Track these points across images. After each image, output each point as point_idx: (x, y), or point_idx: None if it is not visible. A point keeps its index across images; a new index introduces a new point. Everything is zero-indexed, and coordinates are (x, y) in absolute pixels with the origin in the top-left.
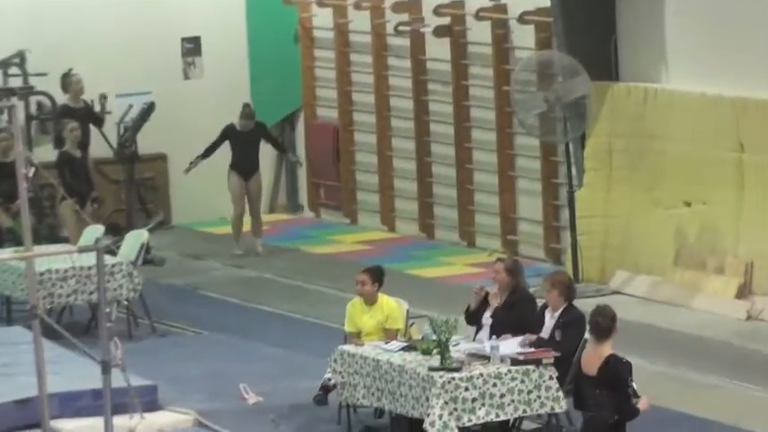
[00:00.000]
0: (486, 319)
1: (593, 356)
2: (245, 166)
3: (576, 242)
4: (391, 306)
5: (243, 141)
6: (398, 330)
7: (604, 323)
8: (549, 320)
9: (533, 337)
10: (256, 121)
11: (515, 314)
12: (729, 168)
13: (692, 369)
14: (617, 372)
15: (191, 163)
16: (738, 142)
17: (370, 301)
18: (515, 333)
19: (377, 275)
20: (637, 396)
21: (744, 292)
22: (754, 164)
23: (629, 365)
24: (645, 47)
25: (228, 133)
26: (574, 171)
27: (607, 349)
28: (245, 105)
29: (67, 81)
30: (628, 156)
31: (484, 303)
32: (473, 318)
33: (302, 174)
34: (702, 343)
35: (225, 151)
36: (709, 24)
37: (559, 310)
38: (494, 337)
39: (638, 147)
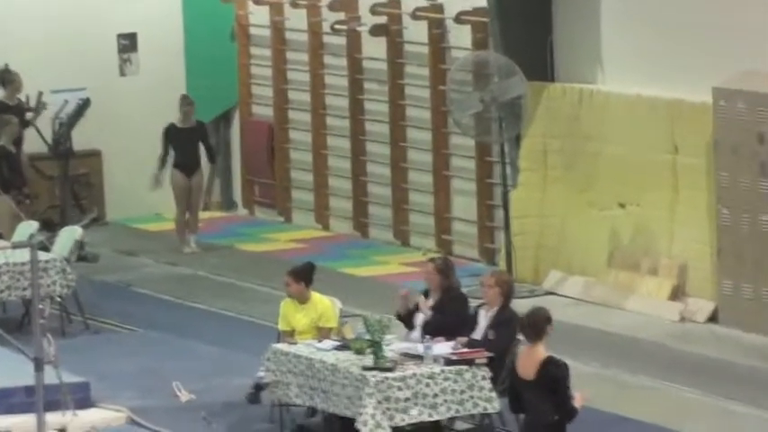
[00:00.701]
0: (419, 320)
1: (528, 360)
2: (188, 163)
3: (510, 242)
4: (324, 304)
5: (184, 139)
6: (332, 329)
7: (535, 324)
8: (483, 320)
9: (464, 340)
10: (197, 120)
11: (448, 314)
12: (664, 170)
13: (625, 370)
14: (555, 375)
15: (156, 178)
16: (673, 144)
17: (303, 299)
18: (448, 334)
19: (301, 275)
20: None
21: (677, 293)
22: (688, 166)
23: (565, 367)
24: (581, 48)
25: (170, 133)
26: (509, 171)
27: (542, 351)
28: (184, 96)
29: (8, 78)
30: (563, 156)
31: (416, 308)
32: (406, 322)
33: (236, 171)
34: (636, 344)
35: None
36: (644, 27)
37: (494, 310)
38: (427, 337)
39: (573, 147)
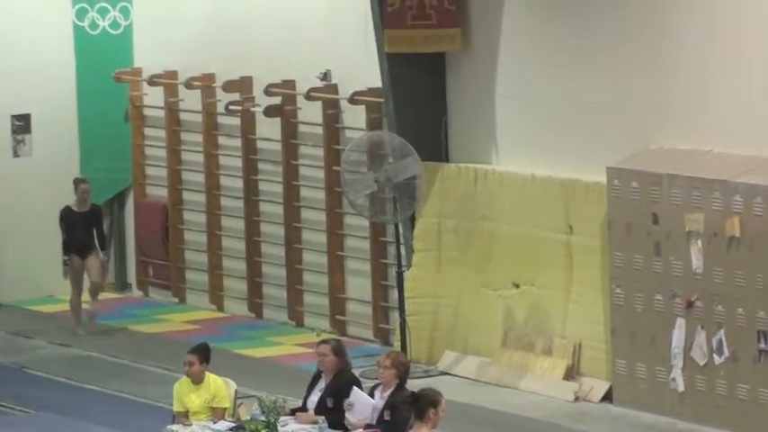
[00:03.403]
0: (312, 402)
1: None
2: (81, 245)
3: (404, 322)
4: (218, 385)
5: (79, 223)
6: (226, 409)
7: (420, 405)
8: (379, 400)
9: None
10: (93, 204)
11: (341, 397)
12: (558, 250)
13: None
14: None
15: (65, 265)
16: (567, 224)
17: (198, 380)
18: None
19: (204, 354)
20: None
21: (572, 373)
22: (582, 246)
23: None
24: (475, 128)
25: (66, 216)
26: (403, 251)
27: None
28: (80, 179)
29: None
30: (457, 236)
31: (311, 386)
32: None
33: (131, 252)
34: (530, 424)
35: (56, 232)
36: (538, 107)
37: (389, 390)
38: (321, 418)
39: (467, 228)
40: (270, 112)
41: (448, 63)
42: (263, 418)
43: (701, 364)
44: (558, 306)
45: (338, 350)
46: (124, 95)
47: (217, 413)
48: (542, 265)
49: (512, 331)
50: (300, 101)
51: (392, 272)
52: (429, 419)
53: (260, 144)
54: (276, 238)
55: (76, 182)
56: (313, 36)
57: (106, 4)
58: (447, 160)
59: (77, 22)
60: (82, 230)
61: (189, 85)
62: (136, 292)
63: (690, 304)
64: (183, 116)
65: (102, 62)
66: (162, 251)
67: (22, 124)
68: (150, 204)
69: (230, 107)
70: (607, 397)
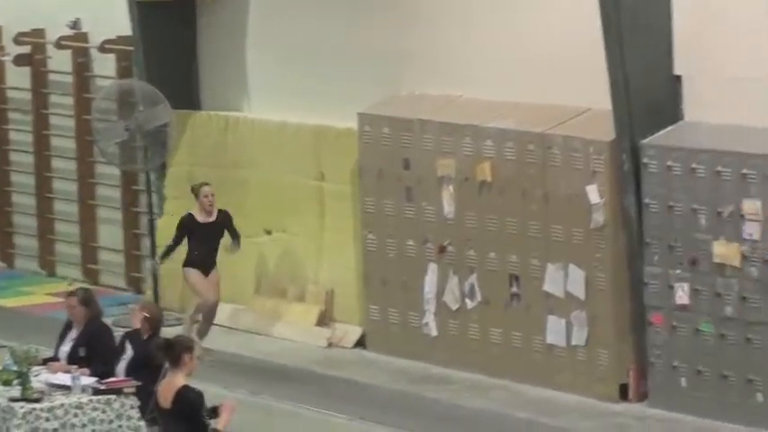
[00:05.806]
0: (63, 353)
1: (166, 388)
2: (206, 263)
3: (156, 271)
4: None
5: (205, 234)
6: None
7: (175, 353)
8: (131, 350)
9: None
10: (220, 210)
11: (92, 346)
12: (310, 196)
13: (273, 397)
14: (189, 402)
15: (153, 267)
16: (319, 171)
17: None
18: (92, 365)
19: None
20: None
21: (324, 319)
22: (334, 192)
23: (201, 395)
24: (226, 76)
25: (188, 225)
26: (155, 199)
27: (180, 380)
28: (203, 184)
29: None
30: None
31: (62, 335)
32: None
33: None
34: (283, 371)
35: None
36: (290, 54)
37: (143, 339)
38: (74, 368)
39: (219, 175)
40: (19, 60)
41: (199, 11)
42: (15, 368)
43: (454, 308)
44: (311, 252)
45: (86, 300)
46: None
47: None
48: (294, 212)
49: (264, 278)
50: (50, 49)
51: (144, 220)
52: (184, 365)
53: (9, 93)
54: (27, 187)
55: (195, 189)
56: None
57: None
58: (198, 108)
59: None
60: (208, 245)
61: None
62: None
63: (442, 249)
64: None
65: None
66: None
67: None
68: None
69: None
70: (360, 343)
